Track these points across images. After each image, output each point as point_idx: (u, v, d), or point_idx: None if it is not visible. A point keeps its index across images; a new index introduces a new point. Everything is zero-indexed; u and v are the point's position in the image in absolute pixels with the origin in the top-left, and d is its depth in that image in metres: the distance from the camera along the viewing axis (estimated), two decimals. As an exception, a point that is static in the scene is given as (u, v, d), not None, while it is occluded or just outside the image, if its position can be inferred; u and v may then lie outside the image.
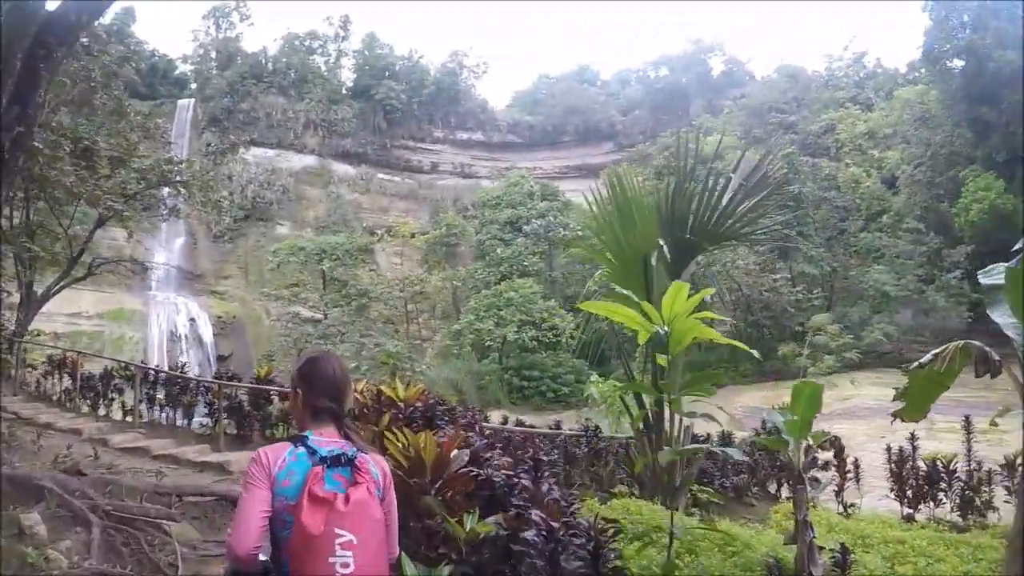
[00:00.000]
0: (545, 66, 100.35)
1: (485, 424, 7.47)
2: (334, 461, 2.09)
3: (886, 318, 32.38)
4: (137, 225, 17.94)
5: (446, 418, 4.53)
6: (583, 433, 9.07)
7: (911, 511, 8.36)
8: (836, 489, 8.57)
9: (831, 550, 4.06)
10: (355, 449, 2.15)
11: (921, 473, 8.42)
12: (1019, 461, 7.63)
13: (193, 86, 51.58)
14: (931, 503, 8.31)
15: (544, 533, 2.93)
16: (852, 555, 4.07)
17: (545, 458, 3.95)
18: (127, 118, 15.38)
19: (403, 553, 2.60)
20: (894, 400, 4.40)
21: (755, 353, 5.47)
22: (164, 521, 5.95)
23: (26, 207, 14.34)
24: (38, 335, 15.57)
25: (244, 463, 8.44)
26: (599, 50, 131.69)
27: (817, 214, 37.33)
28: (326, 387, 2.24)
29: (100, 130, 14.73)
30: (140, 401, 12.17)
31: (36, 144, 11.07)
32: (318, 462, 2.07)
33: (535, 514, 3.02)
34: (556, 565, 2.88)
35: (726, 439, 10.03)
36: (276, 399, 11.12)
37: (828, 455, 9.05)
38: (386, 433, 3.60)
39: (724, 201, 6.38)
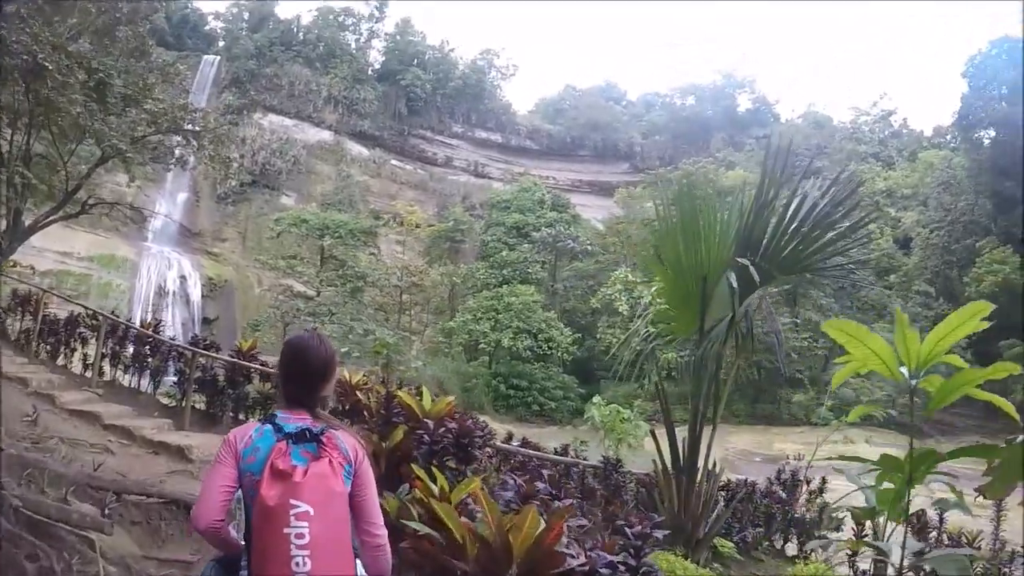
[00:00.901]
0: (573, 77, 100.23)
1: (498, 444, 6.76)
2: (299, 437, 2.09)
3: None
4: (141, 171, 17.14)
5: (478, 441, 3.71)
6: (603, 465, 8.26)
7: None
8: (849, 552, 7.98)
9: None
10: (323, 425, 2.16)
11: (943, 546, 7.87)
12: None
13: (221, 44, 51.03)
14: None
15: None
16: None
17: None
18: (147, 59, 14.70)
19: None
20: (984, 475, 3.80)
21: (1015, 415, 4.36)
22: (91, 532, 4.34)
23: (28, 132, 13.62)
24: (14, 266, 14.63)
25: (208, 451, 7.23)
26: (628, 70, 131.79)
27: (830, 262, 36.82)
28: (298, 377, 2.24)
29: (117, 66, 14.05)
30: (104, 356, 10.80)
31: (46, 64, 10.46)
32: (283, 438, 2.09)
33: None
34: None
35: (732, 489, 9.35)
36: (256, 379, 9.97)
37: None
38: (418, 474, 2.74)
39: (807, 227, 5.57)
